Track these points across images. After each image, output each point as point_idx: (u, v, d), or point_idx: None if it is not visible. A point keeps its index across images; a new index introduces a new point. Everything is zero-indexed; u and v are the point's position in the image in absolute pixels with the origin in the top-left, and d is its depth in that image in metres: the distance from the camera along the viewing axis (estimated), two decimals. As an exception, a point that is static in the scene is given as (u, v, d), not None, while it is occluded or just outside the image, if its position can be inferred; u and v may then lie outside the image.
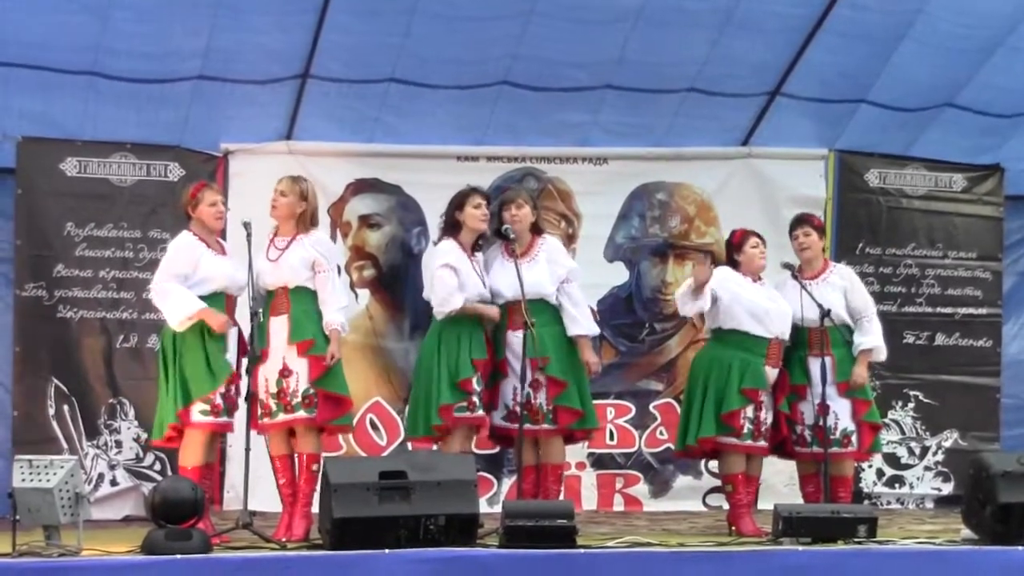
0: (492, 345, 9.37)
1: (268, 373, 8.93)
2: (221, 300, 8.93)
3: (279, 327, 8.95)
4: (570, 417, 9.37)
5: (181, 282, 8.82)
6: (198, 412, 8.79)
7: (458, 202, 9.43)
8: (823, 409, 9.50)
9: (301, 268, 8.99)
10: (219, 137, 10.70)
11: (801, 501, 9.68)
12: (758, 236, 9.78)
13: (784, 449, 9.77)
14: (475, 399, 9.23)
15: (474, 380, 9.21)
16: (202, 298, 8.82)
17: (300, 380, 8.89)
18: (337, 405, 9.05)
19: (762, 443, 9.56)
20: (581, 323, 9.47)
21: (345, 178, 10.96)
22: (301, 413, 8.91)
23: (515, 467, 9.65)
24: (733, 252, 9.78)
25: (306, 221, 9.12)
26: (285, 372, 8.91)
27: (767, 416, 9.55)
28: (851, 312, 9.75)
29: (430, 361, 9.26)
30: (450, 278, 9.20)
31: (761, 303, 9.56)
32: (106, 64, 10.03)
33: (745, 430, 9.49)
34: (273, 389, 8.93)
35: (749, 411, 9.48)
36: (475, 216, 9.36)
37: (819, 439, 9.49)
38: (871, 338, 9.72)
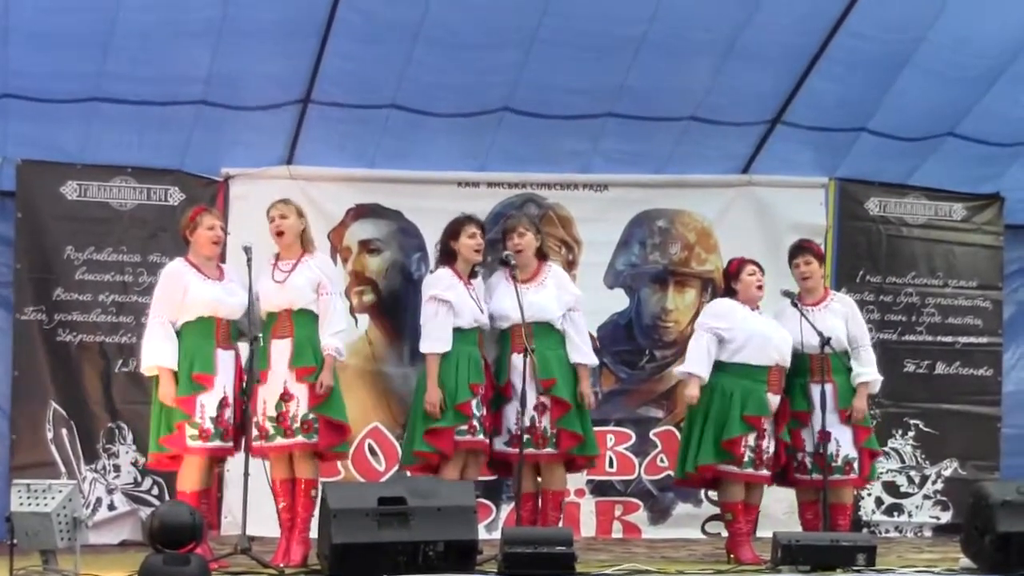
0: (491, 370, 9.37)
1: (268, 396, 8.94)
2: (210, 325, 8.92)
3: (282, 350, 8.97)
4: (571, 441, 9.34)
5: (172, 311, 8.88)
6: (189, 438, 8.80)
7: (453, 230, 9.47)
8: (824, 436, 9.50)
9: (307, 289, 9.02)
10: (220, 162, 10.70)
11: (800, 529, 9.68)
12: (755, 264, 9.78)
13: (785, 477, 9.75)
14: (475, 423, 9.22)
15: (473, 404, 9.20)
16: (189, 323, 8.87)
17: (300, 405, 8.90)
18: (338, 431, 9.07)
19: (764, 472, 9.54)
20: (583, 351, 9.51)
21: (346, 203, 10.96)
22: (300, 438, 8.92)
23: (514, 493, 9.62)
24: (730, 280, 9.80)
25: (309, 240, 9.20)
26: (286, 396, 8.92)
27: (769, 444, 9.53)
28: (849, 340, 9.77)
29: (424, 387, 9.26)
30: (444, 317, 9.23)
31: (760, 331, 9.57)
32: (108, 88, 10.04)
33: (746, 458, 9.47)
34: (272, 412, 8.93)
35: (751, 439, 9.47)
36: (469, 246, 9.38)
37: (819, 466, 9.48)
38: (869, 370, 9.76)
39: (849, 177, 11.51)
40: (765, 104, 10.98)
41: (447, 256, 9.45)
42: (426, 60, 10.15)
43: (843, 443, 9.58)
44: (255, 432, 8.93)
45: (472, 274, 9.46)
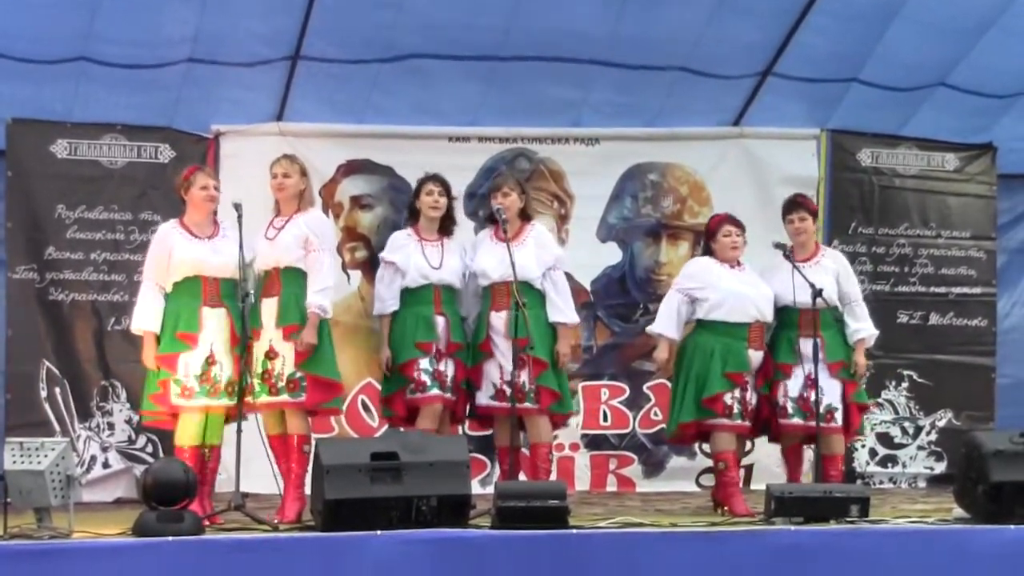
0: (463, 326, 9.51)
1: (257, 354, 9.01)
2: (197, 284, 8.97)
3: (270, 308, 9.02)
4: (550, 398, 9.46)
5: (159, 274, 8.98)
6: (174, 395, 8.89)
7: (416, 189, 9.67)
8: (813, 384, 9.53)
9: (294, 247, 9.03)
10: (210, 119, 10.70)
11: (787, 478, 9.82)
12: (733, 224, 9.82)
13: (770, 430, 9.83)
14: (425, 379, 9.35)
15: (422, 362, 9.33)
16: (177, 283, 8.95)
17: (286, 364, 8.95)
18: (328, 389, 9.12)
19: (747, 423, 9.65)
20: (563, 311, 9.58)
21: (336, 159, 10.95)
22: (285, 396, 8.98)
23: (496, 446, 9.76)
24: (709, 238, 9.89)
25: (309, 198, 9.27)
26: (271, 354, 8.98)
27: (752, 397, 9.64)
28: (841, 297, 9.83)
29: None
30: (390, 279, 9.54)
31: (738, 289, 9.63)
32: (96, 50, 10.03)
33: (735, 410, 9.55)
34: (258, 370, 9.00)
35: (736, 393, 9.55)
36: (427, 203, 9.56)
37: (803, 411, 9.59)
38: (866, 325, 9.86)
39: (841, 128, 11.48)
40: (756, 56, 10.95)
41: (411, 215, 9.67)
42: (416, 9, 10.10)
43: (827, 392, 9.58)
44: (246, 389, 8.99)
45: (445, 230, 9.61)
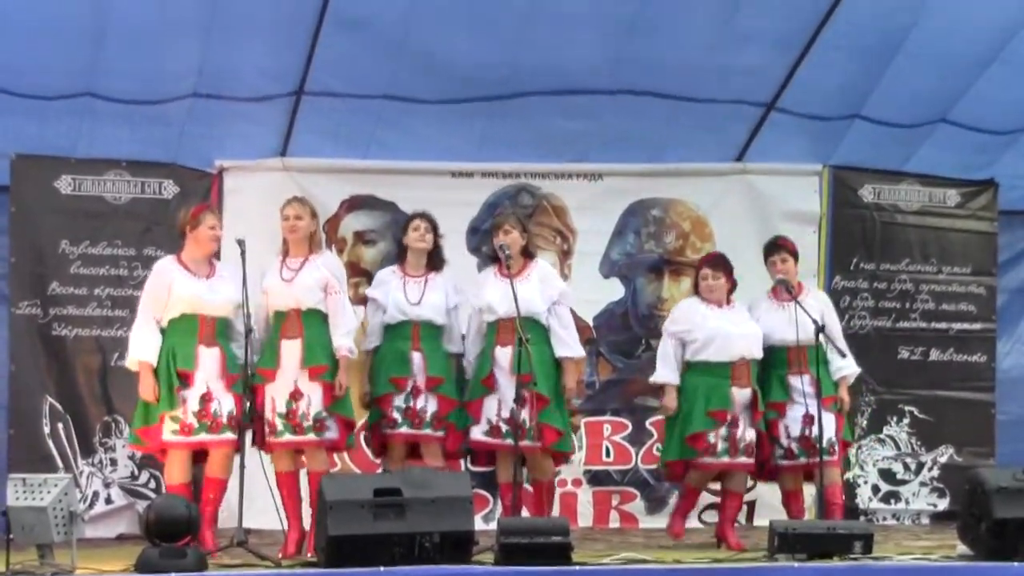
0: (427, 361, 9.54)
1: (276, 394, 9.17)
2: (194, 322, 9.10)
3: (292, 350, 9.19)
4: (553, 435, 9.51)
5: (156, 308, 9.10)
6: (170, 432, 9.00)
7: (403, 226, 9.83)
8: (809, 420, 9.67)
9: (315, 289, 9.24)
10: (214, 154, 10.70)
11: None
12: (711, 266, 9.98)
13: (765, 470, 9.98)
14: (396, 416, 9.48)
15: (395, 398, 9.48)
16: (173, 320, 9.07)
17: (312, 404, 9.16)
18: (348, 427, 9.41)
19: (742, 460, 9.78)
20: (568, 345, 9.66)
21: (340, 194, 10.96)
22: (311, 436, 9.18)
23: (498, 482, 9.80)
24: (696, 279, 10.08)
25: (319, 241, 9.47)
26: (296, 395, 9.16)
27: (746, 433, 9.74)
28: (825, 335, 9.89)
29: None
30: (371, 315, 9.68)
31: (723, 329, 9.79)
32: (100, 85, 10.07)
33: (719, 448, 9.69)
34: (282, 410, 9.16)
35: (722, 431, 9.70)
36: (413, 239, 9.70)
37: (806, 450, 9.72)
38: (849, 362, 10.05)
39: (843, 164, 11.50)
40: (759, 91, 10.97)
41: (399, 252, 9.82)
42: (419, 48, 10.13)
43: (826, 427, 9.65)
44: (265, 429, 9.18)
45: (434, 266, 9.71)
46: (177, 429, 8.98)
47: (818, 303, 10.06)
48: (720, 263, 10.03)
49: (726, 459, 9.74)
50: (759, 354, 9.84)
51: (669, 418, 9.95)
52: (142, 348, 9.09)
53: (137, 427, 9.15)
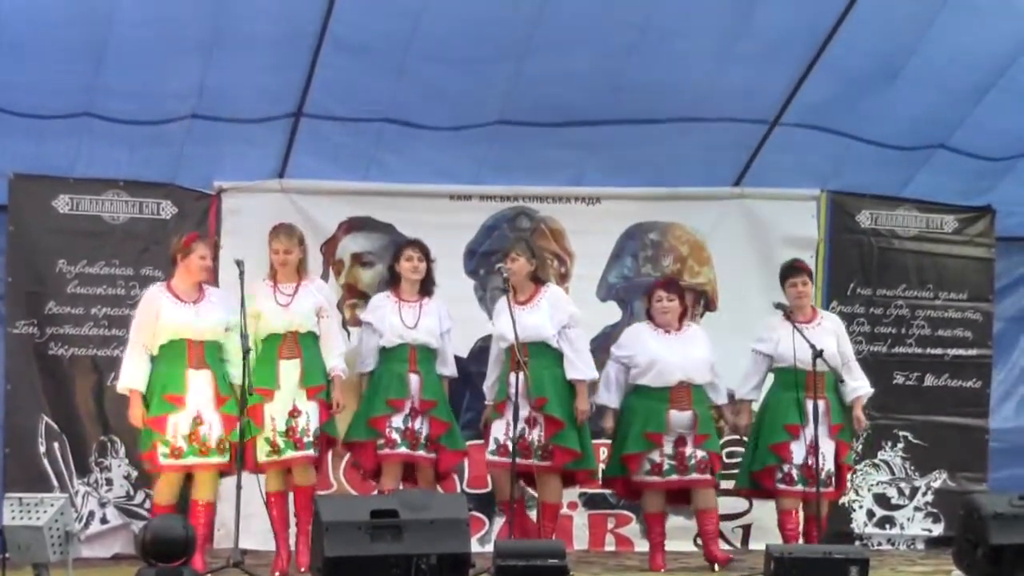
0: (423, 384, 9.74)
1: (276, 413, 9.41)
2: (182, 347, 9.34)
3: (290, 370, 9.47)
4: (566, 457, 9.66)
5: (146, 336, 9.35)
6: (161, 455, 9.22)
7: (395, 254, 10.04)
8: (814, 449, 9.73)
9: (311, 314, 9.56)
10: (212, 175, 10.71)
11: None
12: (665, 288, 10.20)
13: (762, 487, 10.14)
14: (395, 436, 9.64)
15: (393, 419, 9.65)
16: (163, 346, 9.32)
17: (311, 420, 9.44)
18: (329, 445, 9.68)
19: (695, 476, 9.98)
20: (579, 368, 9.81)
21: (338, 216, 10.97)
22: (310, 452, 9.44)
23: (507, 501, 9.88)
24: (647, 303, 10.28)
25: (306, 266, 9.70)
26: (295, 413, 9.42)
27: (696, 451, 9.93)
28: (841, 357, 10.07)
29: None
30: (367, 339, 9.87)
31: (663, 354, 10.01)
32: (99, 105, 10.07)
33: (665, 467, 9.92)
34: (281, 428, 9.40)
35: (663, 451, 9.91)
36: (407, 268, 9.91)
37: (806, 478, 9.83)
38: (863, 383, 10.18)
39: (841, 190, 11.52)
40: (758, 115, 10.98)
41: (391, 278, 10.00)
42: (418, 74, 10.16)
43: (827, 457, 9.86)
44: (267, 447, 9.40)
45: (426, 292, 9.90)
46: (167, 452, 9.20)
47: (833, 325, 10.24)
48: (674, 286, 10.29)
49: (674, 477, 9.94)
50: (701, 379, 10.05)
51: (612, 439, 10.19)
52: (131, 376, 9.37)
53: (142, 453, 9.41)
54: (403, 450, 9.67)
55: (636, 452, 9.93)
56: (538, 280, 9.93)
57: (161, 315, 9.33)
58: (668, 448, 9.91)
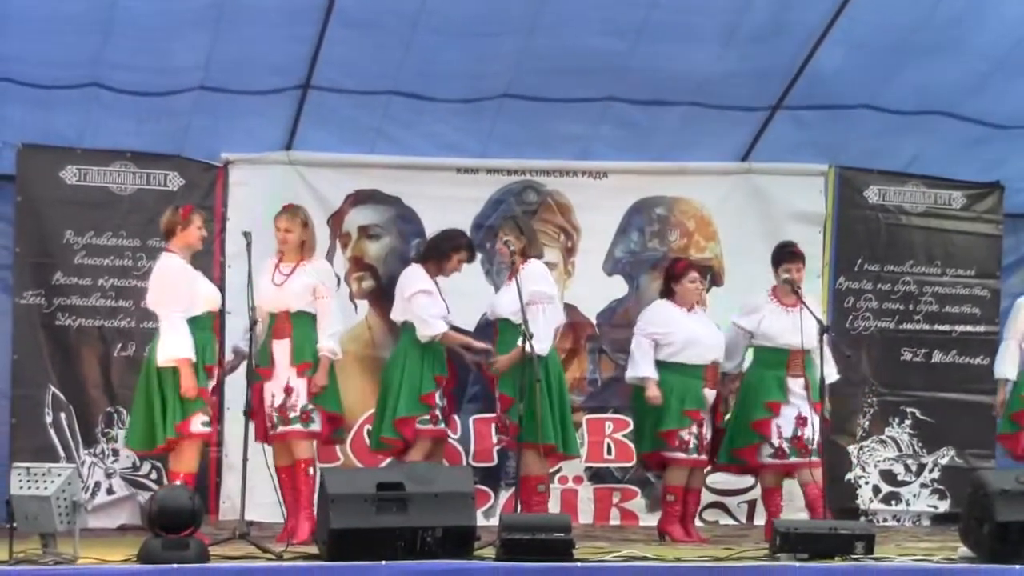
0: (454, 364, 9.93)
1: (274, 390, 9.47)
2: (212, 318, 9.40)
3: (282, 349, 9.51)
4: (516, 430, 9.62)
5: (187, 304, 9.17)
6: (199, 424, 9.13)
7: (449, 247, 10.01)
8: (802, 422, 9.96)
9: (304, 294, 9.55)
10: (219, 147, 10.71)
11: (798, 516, 9.96)
12: (698, 270, 10.34)
13: (750, 464, 10.22)
14: (437, 413, 9.80)
15: (436, 395, 9.78)
16: (194, 319, 9.16)
17: (300, 397, 9.45)
18: (333, 421, 9.66)
19: (703, 457, 10.11)
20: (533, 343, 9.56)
21: (345, 189, 10.96)
22: (298, 426, 9.46)
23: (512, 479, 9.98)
24: (671, 280, 10.24)
25: (311, 245, 9.69)
26: (288, 390, 9.46)
27: (707, 432, 10.06)
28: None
29: (390, 377, 9.85)
30: (432, 304, 9.80)
31: (697, 334, 10.08)
32: (107, 76, 10.09)
33: (691, 445, 10.00)
34: (277, 404, 9.45)
35: (694, 429, 9.99)
36: (455, 269, 10.03)
37: (798, 449, 9.96)
38: (832, 369, 10.28)
39: (849, 165, 11.50)
40: (766, 90, 10.96)
41: (430, 255, 10.03)
42: (426, 46, 10.14)
43: (816, 429, 9.96)
44: (268, 423, 9.48)
45: (441, 270, 10.02)
46: (207, 420, 9.21)
47: (816, 310, 10.31)
48: (696, 266, 10.43)
49: (695, 456, 10.07)
50: (723, 358, 10.17)
51: (635, 414, 10.25)
52: (180, 346, 9.08)
53: (179, 420, 9.05)
54: (441, 427, 9.89)
55: (675, 428, 9.98)
56: (524, 255, 9.87)
57: (196, 286, 9.26)
58: (694, 427, 10.02)
